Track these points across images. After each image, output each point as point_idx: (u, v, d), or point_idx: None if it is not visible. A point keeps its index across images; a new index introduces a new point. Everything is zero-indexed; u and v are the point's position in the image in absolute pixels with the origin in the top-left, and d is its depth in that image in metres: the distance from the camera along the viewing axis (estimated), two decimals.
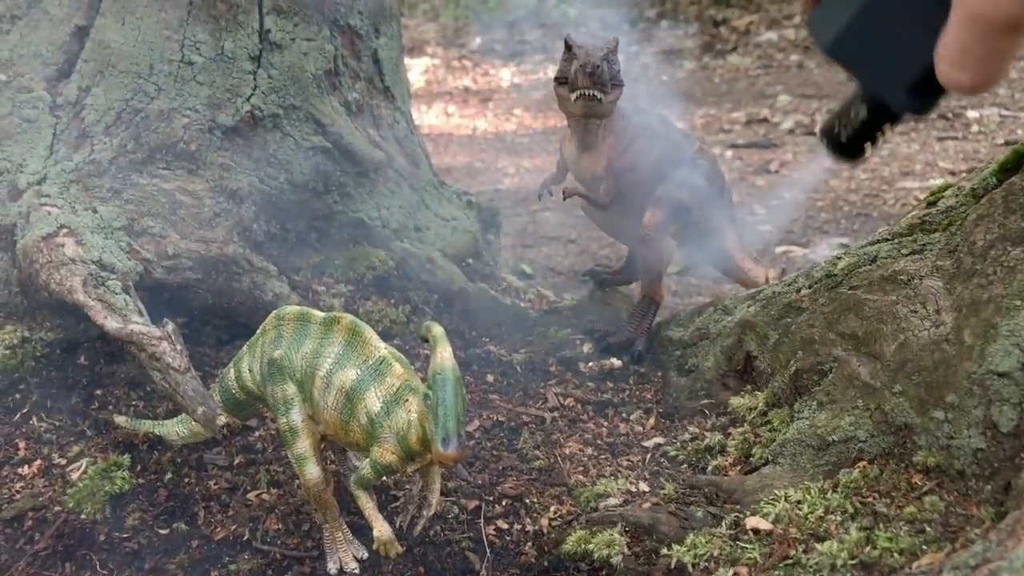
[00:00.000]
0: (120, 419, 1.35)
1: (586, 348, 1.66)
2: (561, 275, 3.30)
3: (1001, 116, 5.27)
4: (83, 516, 1.23)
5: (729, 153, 5.04)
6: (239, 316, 1.55)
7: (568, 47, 1.44)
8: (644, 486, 1.27)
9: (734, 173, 4.64)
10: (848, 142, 0.57)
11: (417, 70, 7.74)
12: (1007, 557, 0.86)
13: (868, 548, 1.03)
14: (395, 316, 1.71)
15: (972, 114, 5.43)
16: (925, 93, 0.44)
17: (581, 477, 1.32)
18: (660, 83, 7.29)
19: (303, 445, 1.13)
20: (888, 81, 0.44)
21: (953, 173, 4.51)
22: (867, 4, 0.44)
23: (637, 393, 1.54)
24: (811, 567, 1.03)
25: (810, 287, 1.37)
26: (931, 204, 1.31)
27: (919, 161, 4.67)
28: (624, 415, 1.48)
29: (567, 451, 1.39)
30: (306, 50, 1.68)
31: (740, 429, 1.33)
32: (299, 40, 1.67)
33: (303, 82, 1.68)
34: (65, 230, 1.42)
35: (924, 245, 1.24)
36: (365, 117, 1.82)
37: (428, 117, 6.41)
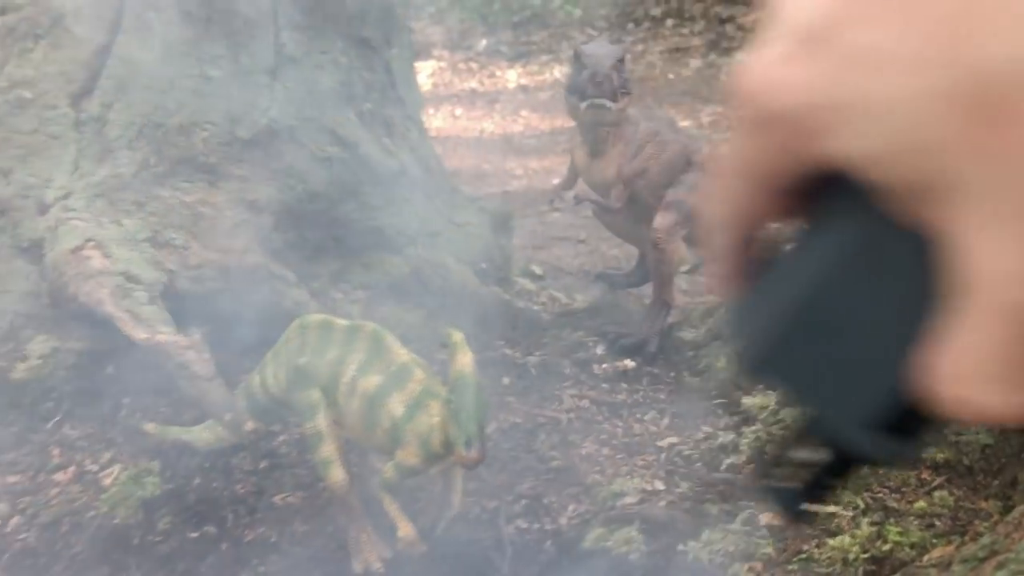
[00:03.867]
0: (149, 426, 1.39)
1: (600, 350, 1.69)
2: (571, 275, 3.32)
3: None
4: (116, 520, 1.27)
5: None
6: (260, 324, 1.59)
7: (577, 57, 1.47)
8: (660, 484, 1.30)
9: None
10: (794, 494, 0.32)
11: (424, 73, 7.73)
12: (1014, 549, 0.89)
13: (879, 542, 1.06)
14: (412, 321, 1.74)
15: None
16: (905, 429, 0.27)
17: (598, 476, 1.35)
18: (666, 82, 7.31)
19: (328, 449, 1.16)
20: (848, 412, 0.28)
21: None
22: (811, 295, 0.27)
23: (651, 394, 1.57)
24: (824, 561, 1.06)
25: None
26: None
27: None
28: (638, 416, 1.51)
29: (583, 451, 1.42)
30: (321, 63, 1.72)
31: (753, 428, 1.36)
32: (314, 53, 1.71)
33: (318, 94, 1.72)
34: (92, 243, 1.46)
35: None
36: (379, 127, 1.85)
37: (436, 120, 6.41)
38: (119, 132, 1.59)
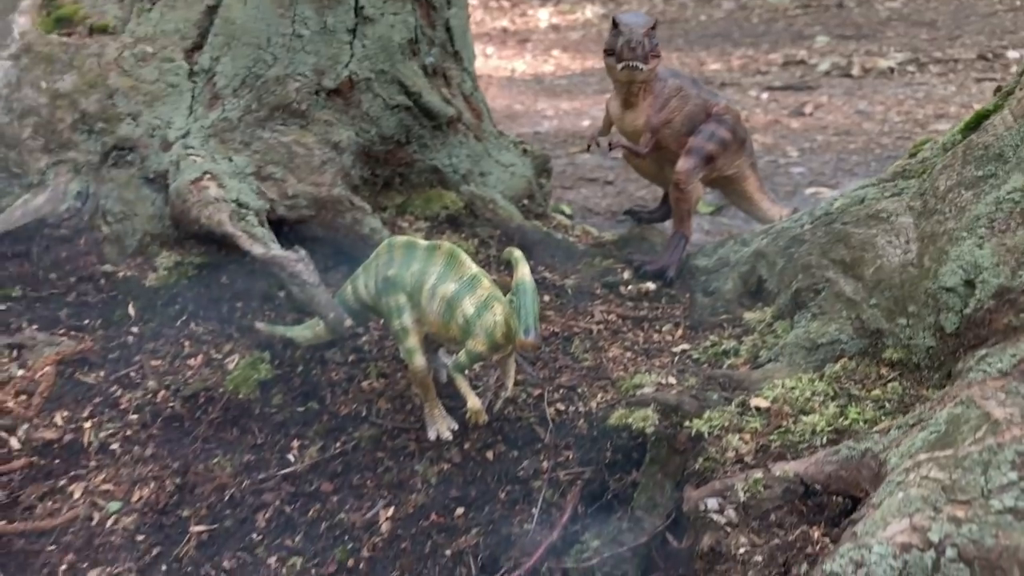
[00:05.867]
0: (259, 325, 1.72)
1: (626, 274, 1.98)
2: (599, 215, 3.55)
3: None
4: (240, 396, 1.61)
5: (765, 95, 5.17)
6: (342, 246, 1.90)
7: (615, 24, 1.73)
8: (672, 379, 1.61)
9: (768, 115, 4.80)
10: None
11: None
12: (934, 418, 1.19)
13: (841, 419, 1.36)
14: (465, 248, 2.03)
15: (1012, 54, 5.46)
16: None
17: (622, 373, 1.66)
18: (698, 23, 7.39)
19: (412, 341, 1.48)
20: None
21: None
22: None
23: (668, 310, 1.86)
24: (797, 433, 1.36)
25: (811, 223, 1.68)
26: (912, 155, 1.60)
27: (954, 103, 4.73)
28: (657, 328, 1.81)
29: (610, 355, 1.73)
30: (393, 23, 1.99)
31: (751, 337, 1.66)
32: (387, 14, 1.98)
33: (390, 50, 2.00)
34: (209, 175, 1.77)
35: (902, 189, 1.54)
36: (439, 78, 2.13)
37: None
38: (226, 82, 1.89)
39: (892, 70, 5.42)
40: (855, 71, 5.53)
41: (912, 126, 4.47)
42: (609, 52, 1.75)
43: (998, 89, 1.47)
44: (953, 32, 6.14)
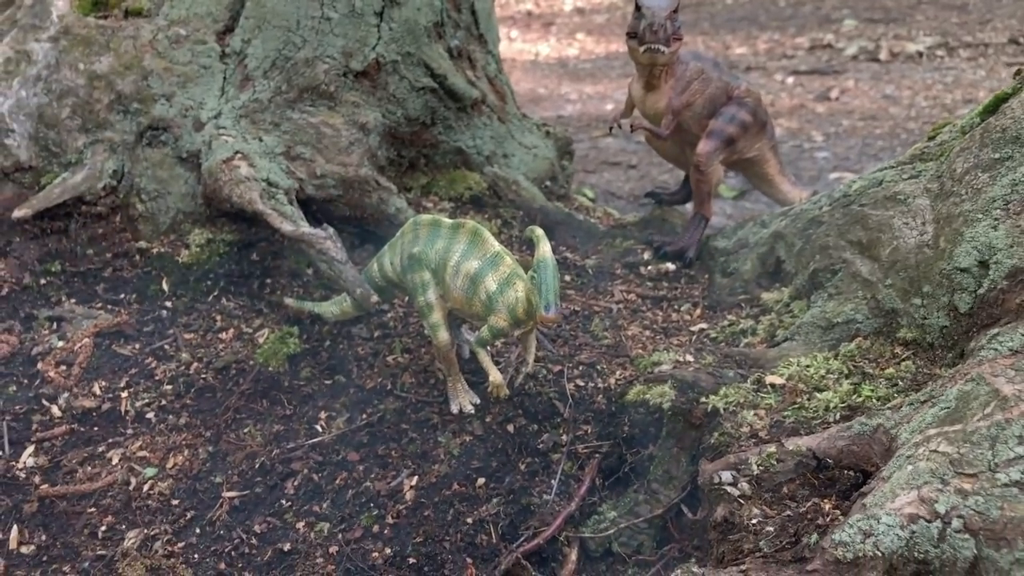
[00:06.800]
0: (288, 301, 1.78)
1: (646, 255, 2.02)
2: (621, 199, 3.58)
3: None
4: (270, 368, 1.67)
5: (790, 79, 5.14)
6: (368, 225, 1.95)
7: (638, 7, 1.75)
8: (690, 357, 1.64)
9: (794, 100, 4.78)
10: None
11: None
12: (945, 394, 1.22)
13: (854, 396, 1.39)
14: (488, 229, 2.08)
15: None
16: None
17: (640, 351, 1.69)
18: (724, 7, 7.34)
19: (437, 316, 1.53)
20: None
21: None
22: None
23: (687, 291, 1.90)
24: (811, 409, 1.39)
25: (830, 205, 1.70)
26: (931, 138, 1.61)
27: (984, 88, 4.68)
28: (676, 307, 1.84)
29: (630, 333, 1.77)
30: (419, 5, 2.03)
31: (768, 317, 1.69)
32: None
33: (416, 33, 2.03)
34: (240, 155, 1.82)
35: (920, 172, 1.55)
36: (464, 60, 2.16)
37: None
38: (256, 64, 1.94)
39: (921, 54, 5.36)
40: (883, 55, 5.47)
41: (940, 111, 4.42)
42: (631, 35, 1.77)
43: (1018, 72, 1.47)
44: (984, 16, 6.05)
